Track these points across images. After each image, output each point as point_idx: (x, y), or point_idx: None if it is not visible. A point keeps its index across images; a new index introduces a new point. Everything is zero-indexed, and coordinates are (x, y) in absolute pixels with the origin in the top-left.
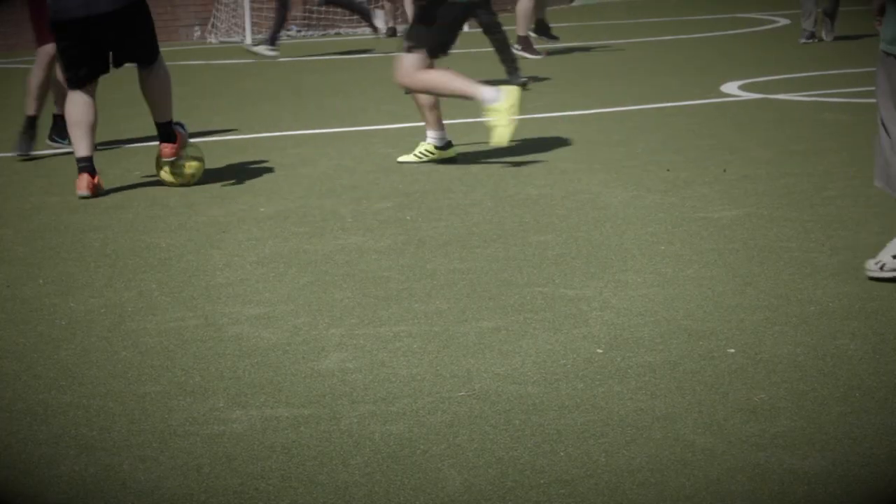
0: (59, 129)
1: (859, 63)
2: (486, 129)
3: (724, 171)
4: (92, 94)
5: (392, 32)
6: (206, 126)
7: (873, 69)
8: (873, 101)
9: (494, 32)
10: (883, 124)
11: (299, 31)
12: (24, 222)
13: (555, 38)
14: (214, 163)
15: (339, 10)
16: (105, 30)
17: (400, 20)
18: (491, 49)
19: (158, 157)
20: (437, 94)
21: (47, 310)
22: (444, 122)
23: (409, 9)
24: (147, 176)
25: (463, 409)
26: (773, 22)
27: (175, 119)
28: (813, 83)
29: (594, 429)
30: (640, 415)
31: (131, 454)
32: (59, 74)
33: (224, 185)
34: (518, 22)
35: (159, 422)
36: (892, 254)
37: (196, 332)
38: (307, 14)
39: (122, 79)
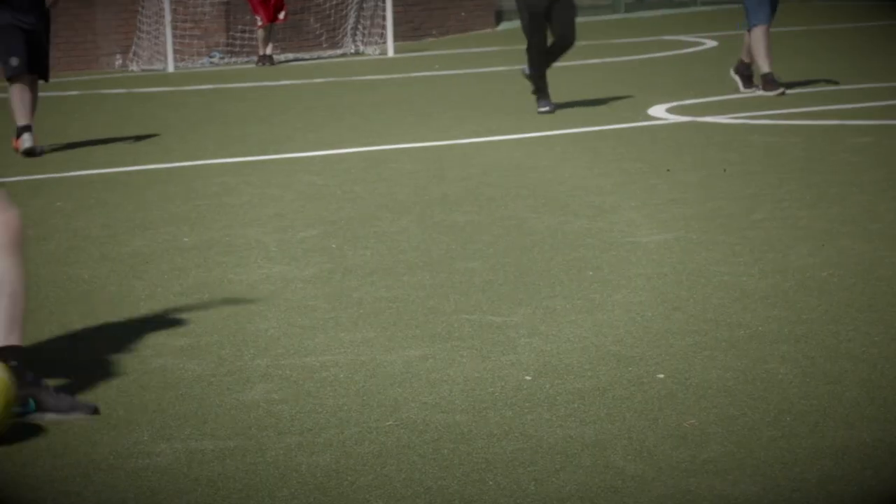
0: None
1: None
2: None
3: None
4: None
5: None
6: (129, 155)
7: (800, 91)
8: (800, 122)
9: None
10: None
11: (223, 57)
12: None
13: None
14: (136, 193)
15: (261, 35)
16: None
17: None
18: None
19: None
20: None
21: None
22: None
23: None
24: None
25: (390, 439)
26: (700, 44)
27: None
28: (740, 105)
29: (523, 457)
30: (569, 442)
31: (54, 489)
32: None
33: (147, 215)
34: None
35: (83, 456)
36: None
37: (119, 364)
38: (230, 41)
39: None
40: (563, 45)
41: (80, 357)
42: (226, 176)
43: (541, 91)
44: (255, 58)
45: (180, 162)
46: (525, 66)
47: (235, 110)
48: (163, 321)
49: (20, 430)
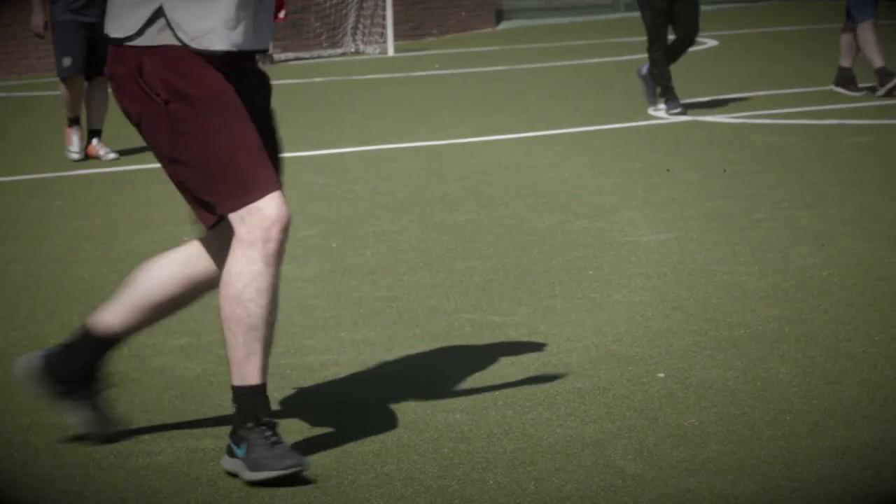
0: None
1: (785, 84)
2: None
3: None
4: None
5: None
6: (129, 153)
7: (798, 90)
8: (800, 122)
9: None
10: None
11: None
12: None
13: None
14: (137, 191)
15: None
16: None
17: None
18: None
19: None
20: None
21: None
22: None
23: None
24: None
25: (390, 438)
26: (700, 44)
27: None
28: (740, 105)
29: (523, 456)
30: (569, 441)
31: (54, 488)
32: None
33: (147, 214)
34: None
35: (83, 455)
36: None
37: (120, 363)
38: None
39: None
40: (687, 42)
41: None
42: None
43: (668, 91)
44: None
45: None
46: (643, 66)
47: None
48: (163, 321)
49: (20, 428)
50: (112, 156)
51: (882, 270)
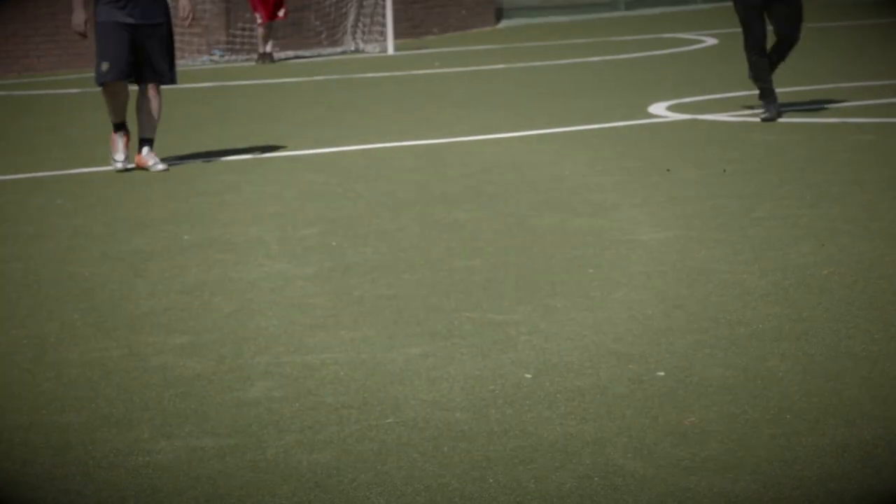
0: None
1: (785, 83)
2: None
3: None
4: None
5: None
6: (129, 152)
7: (798, 88)
8: (801, 120)
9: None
10: None
11: (223, 55)
12: None
13: None
14: (137, 190)
15: (261, 33)
16: None
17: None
18: None
19: None
20: None
21: None
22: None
23: None
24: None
25: (390, 437)
26: (700, 42)
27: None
28: (740, 103)
29: (523, 454)
30: (569, 440)
31: (55, 487)
32: None
33: (147, 213)
34: None
35: (83, 454)
36: None
37: (120, 362)
38: (230, 39)
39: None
40: (787, 44)
41: (80, 355)
42: (226, 174)
43: (765, 94)
44: (255, 55)
45: (181, 160)
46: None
47: (236, 108)
48: (163, 319)
49: (20, 428)
50: (161, 167)
51: (882, 269)
